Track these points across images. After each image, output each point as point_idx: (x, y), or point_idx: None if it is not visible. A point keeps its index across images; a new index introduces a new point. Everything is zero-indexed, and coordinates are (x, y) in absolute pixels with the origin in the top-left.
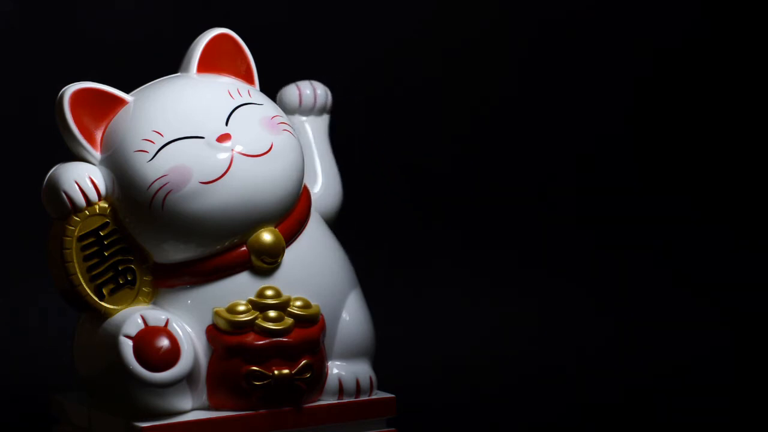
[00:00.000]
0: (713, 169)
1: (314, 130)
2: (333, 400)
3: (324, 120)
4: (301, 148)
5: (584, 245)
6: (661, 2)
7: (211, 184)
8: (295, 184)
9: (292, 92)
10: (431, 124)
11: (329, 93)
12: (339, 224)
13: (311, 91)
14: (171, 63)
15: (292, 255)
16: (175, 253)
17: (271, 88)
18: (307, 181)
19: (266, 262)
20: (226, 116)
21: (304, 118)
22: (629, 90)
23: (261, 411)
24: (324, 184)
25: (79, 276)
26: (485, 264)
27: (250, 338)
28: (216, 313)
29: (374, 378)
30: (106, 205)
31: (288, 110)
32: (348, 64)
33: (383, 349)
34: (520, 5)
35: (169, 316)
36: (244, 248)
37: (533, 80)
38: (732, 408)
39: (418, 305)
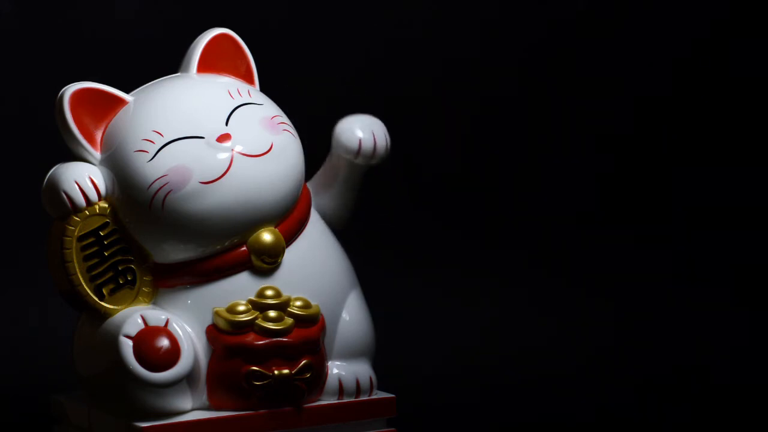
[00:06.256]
0: (716, 170)
1: (357, 172)
2: (333, 400)
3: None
4: (301, 148)
5: (585, 245)
6: (665, 5)
7: (211, 184)
8: (295, 184)
9: (350, 137)
10: (432, 124)
11: (388, 138)
12: None
13: (370, 135)
14: (171, 63)
15: (292, 255)
16: (175, 253)
17: (271, 88)
18: (323, 199)
19: (266, 262)
20: (226, 116)
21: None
22: (633, 90)
23: (261, 411)
24: (339, 209)
25: (79, 276)
26: (485, 264)
27: (250, 338)
28: (216, 313)
29: (374, 378)
30: (106, 205)
31: (343, 153)
32: (348, 63)
33: (383, 349)
34: (522, 5)
35: (169, 316)
36: (244, 248)
37: (536, 79)
38: (730, 412)
39: (418, 305)
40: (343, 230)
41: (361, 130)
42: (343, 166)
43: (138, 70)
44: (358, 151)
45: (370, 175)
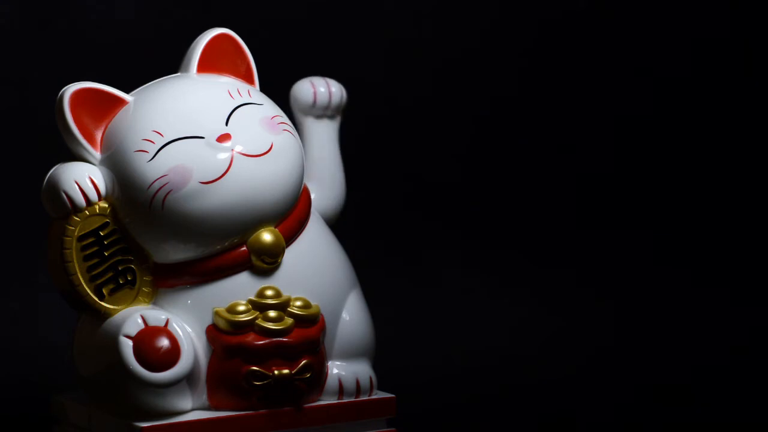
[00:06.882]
0: (718, 169)
1: (326, 134)
2: (333, 400)
3: (336, 122)
4: (302, 147)
5: (586, 245)
6: (662, 11)
7: (211, 184)
8: (295, 184)
9: (305, 89)
10: (432, 123)
11: (344, 91)
12: (339, 224)
13: (326, 88)
14: (171, 63)
15: (292, 255)
16: (175, 253)
17: (271, 88)
18: (311, 183)
19: (266, 262)
20: (226, 116)
21: (315, 120)
22: (632, 90)
23: (261, 411)
24: (329, 187)
25: (79, 276)
26: (486, 264)
27: (250, 338)
28: (216, 313)
29: (374, 378)
30: (106, 205)
31: (300, 108)
32: (348, 63)
33: (383, 349)
34: (520, 6)
35: (169, 316)
36: (244, 248)
37: (534, 81)
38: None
39: (419, 305)
40: (343, 230)
41: (313, 82)
42: (309, 130)
43: (138, 70)
44: (314, 101)
45: (370, 174)
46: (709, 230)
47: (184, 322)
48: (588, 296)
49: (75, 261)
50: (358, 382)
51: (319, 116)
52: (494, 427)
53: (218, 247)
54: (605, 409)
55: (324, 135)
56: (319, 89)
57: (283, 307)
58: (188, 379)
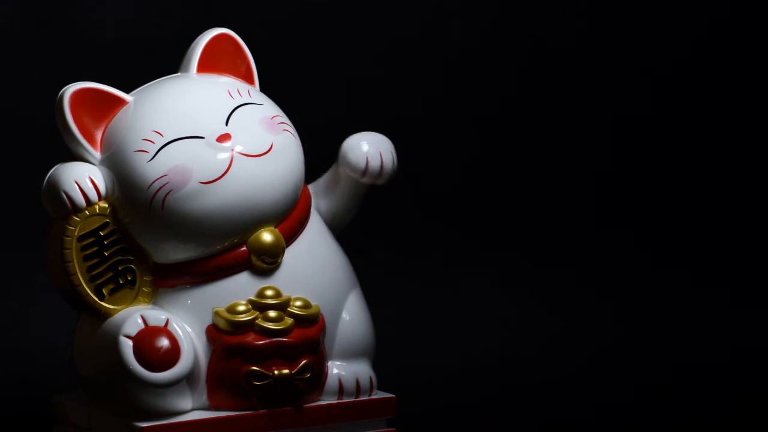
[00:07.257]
0: (718, 169)
1: (361, 189)
2: (333, 400)
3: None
4: (302, 148)
5: (586, 245)
6: (662, 11)
7: (211, 184)
8: (295, 184)
9: (358, 156)
10: (432, 124)
11: (394, 154)
12: None
13: (377, 156)
14: (171, 63)
15: (292, 255)
16: (175, 253)
17: (271, 88)
18: (328, 201)
19: (266, 262)
20: (226, 116)
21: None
22: (632, 90)
23: (261, 411)
24: (338, 219)
25: (79, 276)
26: (486, 264)
27: (250, 338)
28: (216, 313)
29: (374, 378)
30: (106, 205)
31: (348, 171)
32: (349, 63)
33: (383, 349)
34: (520, 6)
35: (169, 316)
36: (244, 248)
37: (534, 81)
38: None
39: (418, 305)
40: (343, 231)
41: (368, 149)
42: (346, 181)
43: (138, 70)
44: (365, 171)
45: None
46: (709, 230)
47: (184, 322)
48: (588, 296)
49: (75, 261)
50: (358, 382)
51: (365, 179)
52: (494, 427)
53: (218, 247)
54: (605, 408)
55: (360, 191)
56: (372, 157)
57: (283, 307)
58: (188, 379)
